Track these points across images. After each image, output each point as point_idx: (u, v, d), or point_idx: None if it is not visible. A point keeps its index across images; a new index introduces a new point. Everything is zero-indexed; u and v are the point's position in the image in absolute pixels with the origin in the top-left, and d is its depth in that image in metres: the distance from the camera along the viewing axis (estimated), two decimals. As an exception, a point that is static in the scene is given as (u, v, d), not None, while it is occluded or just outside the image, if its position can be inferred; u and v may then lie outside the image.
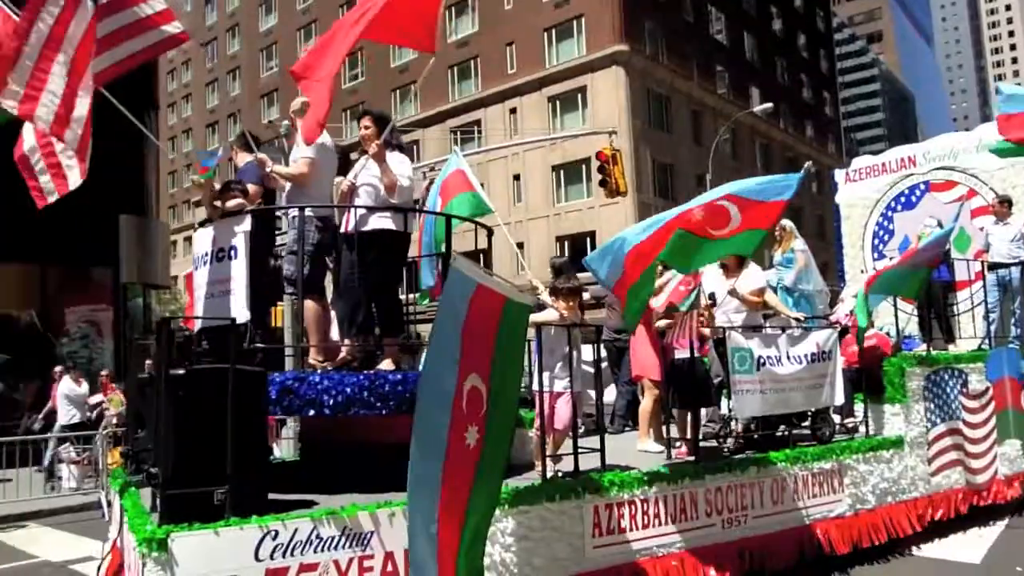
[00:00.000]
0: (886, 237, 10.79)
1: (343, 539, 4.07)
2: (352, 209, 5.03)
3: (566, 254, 32.68)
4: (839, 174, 11.47)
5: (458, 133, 37.83)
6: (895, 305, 8.72)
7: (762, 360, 6.12)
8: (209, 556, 3.77)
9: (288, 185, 5.55)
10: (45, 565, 7.84)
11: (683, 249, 5.57)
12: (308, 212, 5.34)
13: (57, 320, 16.74)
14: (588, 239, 32.83)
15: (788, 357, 6.34)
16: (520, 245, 34.77)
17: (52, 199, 4.96)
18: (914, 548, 6.71)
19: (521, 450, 5.95)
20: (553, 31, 35.58)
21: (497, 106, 36.98)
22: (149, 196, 19.44)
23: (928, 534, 6.95)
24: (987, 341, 8.99)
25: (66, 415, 12.75)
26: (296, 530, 3.97)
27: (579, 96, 34.33)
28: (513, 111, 36.38)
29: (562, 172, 34.26)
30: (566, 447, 5.24)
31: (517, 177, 36.22)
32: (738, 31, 42.89)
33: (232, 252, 4.84)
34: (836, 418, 7.40)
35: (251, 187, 5.28)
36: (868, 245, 10.96)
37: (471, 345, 3.52)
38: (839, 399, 6.68)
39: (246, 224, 4.76)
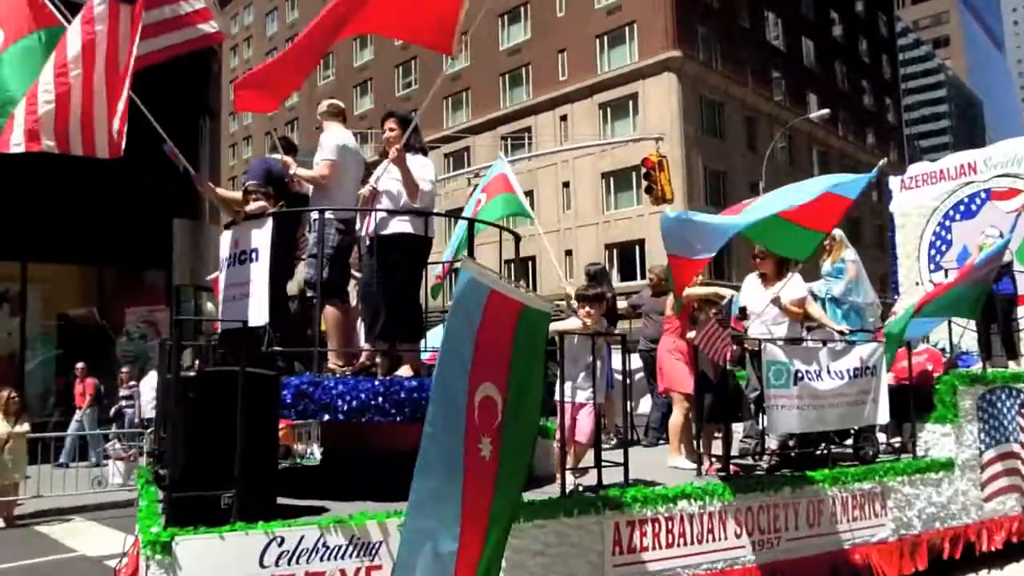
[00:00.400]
0: (943, 248, 10.29)
1: (351, 548, 3.98)
2: (372, 213, 4.97)
3: (613, 262, 32.38)
4: (894, 181, 11.00)
5: (508, 140, 37.88)
6: (950, 320, 8.30)
7: (800, 375, 5.83)
8: (213, 561, 3.73)
9: (311, 188, 5.54)
10: (82, 559, 8.00)
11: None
12: (329, 215, 5.32)
13: (113, 320, 17.25)
14: (637, 247, 32.46)
15: (829, 372, 6.03)
16: (569, 252, 34.61)
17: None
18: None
19: (545, 461, 5.81)
20: (605, 38, 35.36)
21: (548, 113, 36.91)
22: (203, 200, 19.93)
23: (981, 563, 6.56)
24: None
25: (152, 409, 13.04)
26: (302, 537, 3.90)
27: (630, 103, 34.00)
28: (564, 118, 36.25)
29: (612, 179, 33.95)
30: (591, 460, 5.08)
31: (567, 184, 36.06)
32: (796, 36, 41.94)
33: (253, 255, 4.84)
34: (882, 437, 7.08)
35: (251, 183, 5.30)
36: (924, 256, 10.46)
37: (485, 353, 3.37)
38: (883, 418, 6.33)
39: (267, 227, 4.74)
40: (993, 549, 6.66)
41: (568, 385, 4.92)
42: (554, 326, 5.04)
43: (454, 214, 5.46)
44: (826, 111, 29.45)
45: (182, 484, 3.82)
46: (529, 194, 37.52)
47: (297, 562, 3.88)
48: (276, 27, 59.15)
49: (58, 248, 15.28)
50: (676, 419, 6.23)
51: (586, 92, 35.35)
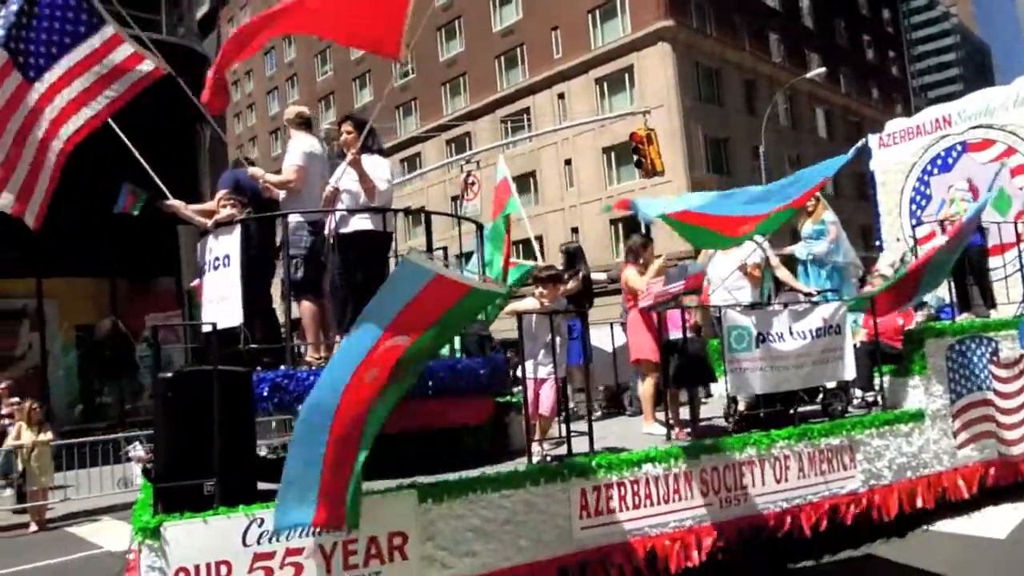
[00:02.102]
0: (923, 202, 10.40)
1: (327, 525, 4.30)
2: (334, 212, 5.26)
3: (619, 237, 32.46)
4: (873, 139, 11.08)
5: (508, 122, 37.98)
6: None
7: (762, 337, 6.08)
8: (199, 543, 4.07)
9: (283, 193, 5.83)
10: (108, 555, 8.46)
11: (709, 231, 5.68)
12: (299, 218, 5.62)
13: (131, 328, 17.76)
14: (642, 221, 32.46)
15: (792, 332, 6.27)
16: (575, 230, 34.74)
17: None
18: (939, 523, 6.56)
19: (518, 435, 6.10)
20: (597, 12, 35.21)
21: (545, 92, 36.89)
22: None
23: (956, 509, 6.78)
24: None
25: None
26: (281, 517, 4.23)
27: (626, 76, 33.90)
28: (561, 96, 36.23)
29: (612, 155, 33.94)
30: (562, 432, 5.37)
31: (568, 162, 36.12)
32: (792, -5, 41.46)
33: (225, 260, 5.16)
34: (858, 393, 7.30)
35: (221, 192, 5.61)
36: (905, 211, 10.59)
37: (410, 318, 3.85)
38: (850, 374, 6.56)
39: (235, 233, 5.05)
40: (969, 495, 6.87)
41: (530, 362, 5.21)
42: (511, 306, 5.33)
43: (409, 210, 5.70)
44: (822, 69, 29.21)
45: (167, 476, 4.17)
46: (532, 175, 37.73)
47: (277, 540, 4.21)
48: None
49: (71, 262, 15.74)
50: (647, 388, 6.50)
51: (582, 68, 35.28)
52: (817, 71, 29.87)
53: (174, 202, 5.79)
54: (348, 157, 5.13)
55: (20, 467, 10.56)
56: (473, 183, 18.50)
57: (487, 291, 4.39)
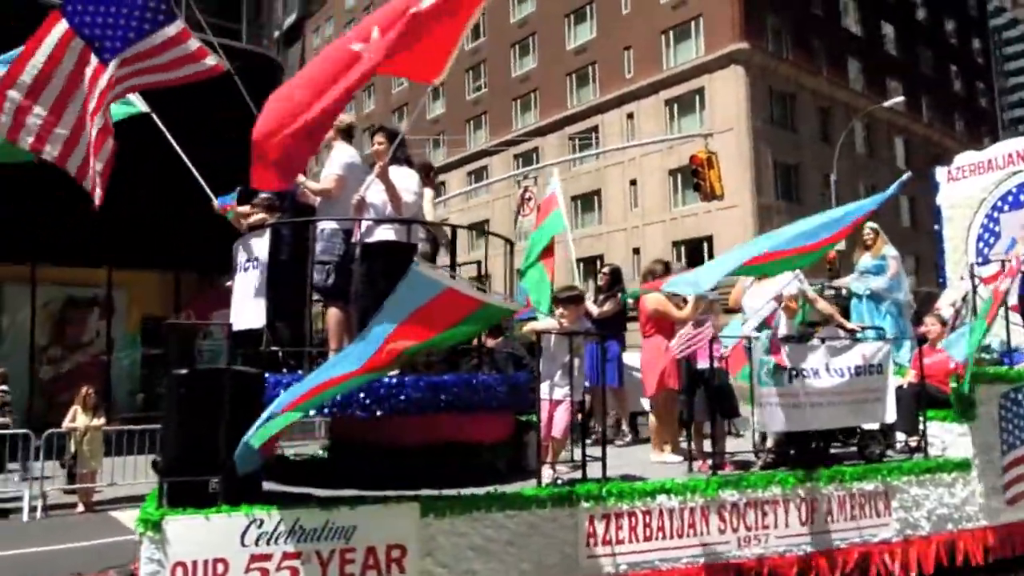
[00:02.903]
0: (991, 240, 9.84)
1: (326, 531, 4.32)
2: (360, 221, 5.32)
3: (681, 259, 31.96)
4: (941, 172, 10.58)
5: (576, 140, 37.97)
6: (1007, 316, 7.99)
7: (795, 372, 5.85)
8: (199, 539, 4.14)
9: (319, 199, 5.93)
10: (135, 542, 8.72)
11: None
12: (335, 225, 5.70)
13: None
14: (705, 244, 31.97)
15: (828, 369, 6.02)
16: (636, 251, 34.40)
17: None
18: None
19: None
20: (671, 33, 34.93)
21: (614, 111, 36.75)
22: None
23: (1005, 570, 6.35)
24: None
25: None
26: (281, 520, 4.27)
27: (697, 98, 33.48)
28: (630, 116, 36.02)
29: (679, 176, 33.48)
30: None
31: (634, 183, 35.83)
32: (875, 21, 40.25)
33: (254, 263, 5.27)
34: (901, 437, 6.94)
35: (259, 198, 5.74)
36: (972, 248, 10.04)
37: (415, 326, 3.98)
38: (889, 417, 6.25)
39: (265, 237, 5.16)
40: (1017, 555, 6.44)
41: (545, 383, 5.14)
42: (530, 325, 5.28)
43: (430, 223, 5.71)
44: (900, 98, 28.20)
45: (173, 471, 4.26)
46: (597, 193, 37.60)
47: (276, 543, 4.25)
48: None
49: (140, 255, 16.43)
50: (655, 417, 6.33)
51: (652, 89, 35.01)
52: (895, 100, 28.87)
53: (229, 207, 5.98)
54: (376, 169, 5.19)
55: (72, 449, 11.00)
56: (530, 198, 18.55)
57: (500, 307, 4.37)
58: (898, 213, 36.75)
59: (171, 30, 5.67)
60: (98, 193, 5.29)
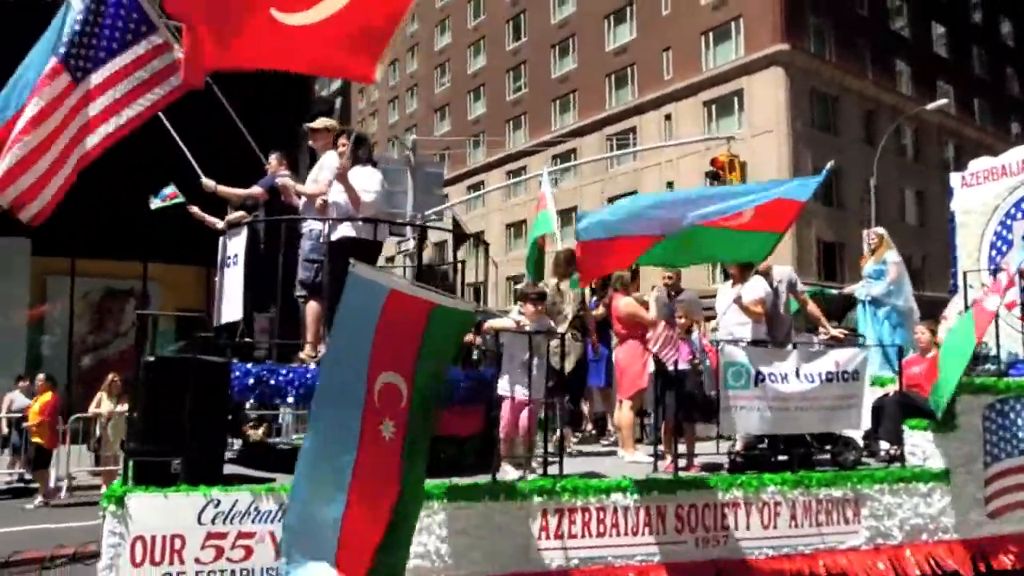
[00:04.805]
0: (1004, 248, 9.60)
1: (280, 513, 4.55)
2: (326, 220, 5.53)
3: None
4: (955, 178, 10.35)
5: (614, 141, 37.87)
6: (997, 325, 7.84)
7: (762, 376, 5.87)
8: (158, 515, 4.41)
9: (303, 200, 6.18)
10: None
11: (682, 243, 5.51)
12: (322, 226, 5.95)
13: (224, 315, 19.03)
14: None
15: (799, 374, 6.02)
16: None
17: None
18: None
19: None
20: (710, 34, 34.57)
21: (653, 113, 36.53)
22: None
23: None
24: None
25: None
26: (236, 501, 4.52)
27: (735, 100, 33.08)
28: (668, 117, 35.78)
29: (715, 180, 33.10)
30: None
31: (670, 185, 35.51)
32: (924, 22, 39.14)
33: (235, 259, 5.54)
34: (884, 445, 6.89)
35: (257, 190, 5.98)
36: (984, 256, 9.82)
37: (386, 346, 3.77)
38: (864, 424, 6.22)
39: (242, 235, 5.43)
40: (1002, 570, 6.33)
41: (505, 379, 5.28)
42: (488, 323, 5.43)
43: (395, 222, 5.89)
44: (944, 100, 27.38)
45: (138, 451, 4.54)
46: (632, 194, 37.39)
47: (231, 522, 4.50)
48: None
49: (174, 250, 17.05)
50: (626, 417, 6.40)
51: (691, 90, 34.69)
52: (940, 102, 28.04)
53: (209, 181, 6.22)
54: (336, 171, 5.38)
55: (98, 433, 11.54)
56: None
57: (454, 309, 4.38)
58: (903, 212, 35.57)
59: (156, 39, 5.76)
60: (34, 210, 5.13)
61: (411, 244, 14.32)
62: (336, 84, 61.74)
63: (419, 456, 4.00)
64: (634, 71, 38.29)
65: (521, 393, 5.27)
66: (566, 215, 40.67)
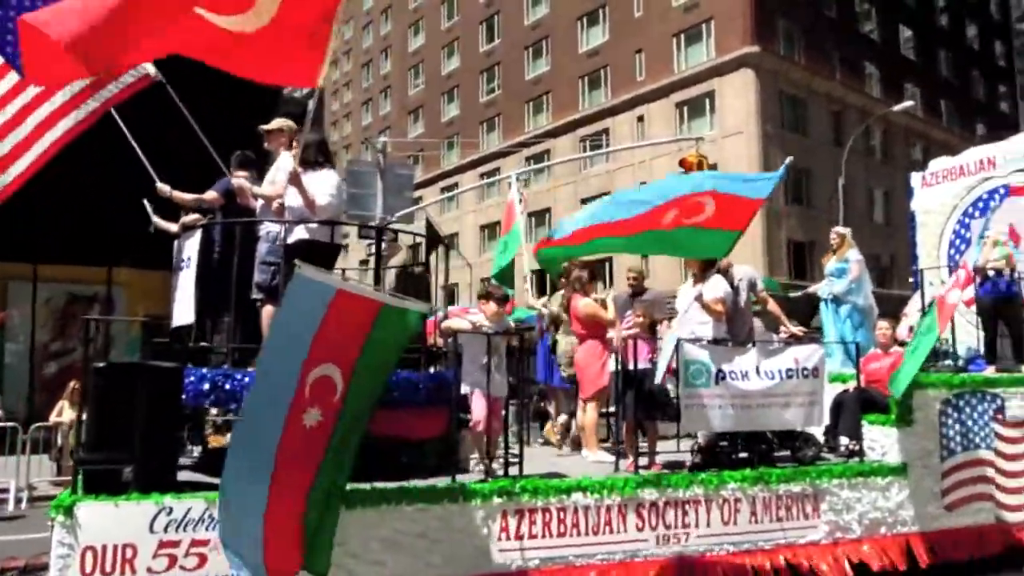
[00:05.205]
0: (963, 246, 9.81)
1: (235, 520, 4.49)
2: (283, 223, 5.47)
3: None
4: (915, 177, 10.58)
5: (587, 142, 38.02)
6: (953, 322, 7.98)
7: (722, 374, 5.91)
8: (109, 524, 4.33)
9: (261, 202, 6.10)
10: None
11: (645, 238, 5.63)
12: (277, 227, 5.88)
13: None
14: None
15: (759, 372, 6.07)
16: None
17: None
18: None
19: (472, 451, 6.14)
20: (682, 36, 34.84)
21: (625, 114, 36.72)
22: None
23: (943, 573, 6.35)
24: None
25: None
26: (190, 509, 4.45)
27: (707, 101, 33.37)
28: (641, 119, 35.99)
29: (687, 179, 33.35)
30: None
31: (643, 185, 35.76)
32: (892, 25, 39.80)
33: (188, 262, 5.47)
34: (844, 440, 6.97)
35: (211, 194, 5.91)
36: (944, 255, 10.02)
37: (327, 342, 3.77)
38: (823, 420, 6.29)
39: (196, 237, 5.35)
40: (953, 560, 6.43)
41: (466, 380, 5.27)
42: (446, 323, 5.42)
43: (350, 223, 5.86)
44: (911, 102, 27.87)
45: (88, 460, 4.46)
46: (606, 196, 37.54)
47: (184, 530, 4.43)
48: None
49: (141, 254, 16.79)
50: (590, 417, 6.42)
51: (663, 92, 34.92)
52: (906, 104, 28.53)
53: (164, 186, 6.14)
54: (288, 173, 5.32)
55: (59, 443, 11.32)
56: (520, 200, 18.65)
57: (402, 309, 4.37)
58: (871, 212, 36.13)
59: None
60: None
61: (383, 246, 14.17)
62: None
63: (347, 452, 3.99)
64: (607, 73, 38.47)
65: (482, 394, 5.26)
66: (540, 216, 41.16)
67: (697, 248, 5.84)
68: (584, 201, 38.73)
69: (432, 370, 5.83)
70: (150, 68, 5.82)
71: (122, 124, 6.19)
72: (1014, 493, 6.73)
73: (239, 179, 6.16)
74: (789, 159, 6.16)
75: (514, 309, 8.36)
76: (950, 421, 6.65)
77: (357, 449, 4.04)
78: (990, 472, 6.70)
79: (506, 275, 9.43)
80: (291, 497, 3.74)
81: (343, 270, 8.79)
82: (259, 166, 6.59)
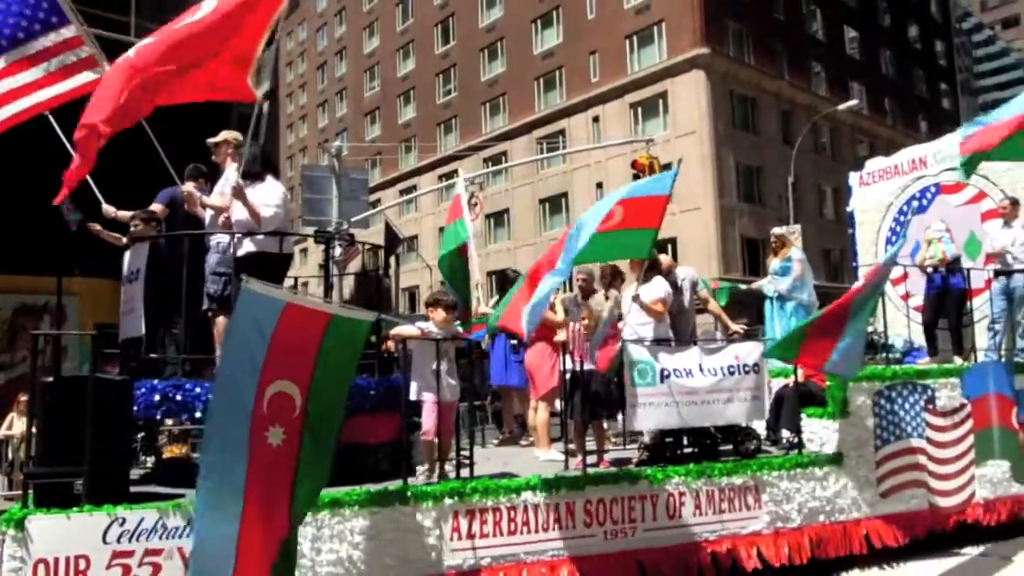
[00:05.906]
0: (899, 243, 10.22)
1: (188, 528, 4.55)
2: (232, 235, 5.54)
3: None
4: (853, 177, 10.99)
5: (544, 143, 38.32)
6: (885, 315, 8.33)
7: (667, 372, 6.13)
8: (60, 537, 4.36)
9: (210, 213, 6.15)
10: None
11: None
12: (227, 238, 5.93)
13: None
14: (669, 246, 32.34)
15: (702, 369, 6.30)
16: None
17: None
18: (855, 572, 6.47)
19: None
20: (634, 38, 35.36)
21: (581, 115, 37.13)
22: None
23: (879, 558, 6.67)
24: (991, 354, 8.45)
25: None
26: (143, 519, 4.50)
27: (660, 101, 33.93)
28: (596, 119, 36.43)
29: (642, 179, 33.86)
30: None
31: (600, 185, 36.13)
32: (837, 26, 40.92)
33: (136, 274, 5.50)
34: (785, 433, 7.26)
35: (157, 207, 5.94)
36: (881, 251, 10.43)
37: (280, 357, 3.83)
38: (765, 414, 6.56)
39: (143, 250, 5.39)
40: (888, 545, 6.74)
41: (415, 385, 5.39)
42: (395, 330, 5.54)
43: (297, 234, 5.95)
44: (855, 101, 28.76)
45: (38, 473, 4.48)
46: (564, 196, 37.94)
47: (137, 540, 4.48)
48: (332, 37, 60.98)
49: (92, 263, 16.49)
50: (541, 416, 6.61)
51: (617, 92, 35.42)
52: (851, 103, 29.48)
53: (109, 208, 6.14)
54: (230, 187, 5.38)
55: (10, 456, 11.12)
56: (476, 204, 18.83)
57: (352, 318, 4.47)
58: (821, 208, 37.13)
59: (66, 32, 5.68)
60: None
61: (337, 252, 14.21)
62: (262, 89, 60.35)
63: (318, 469, 4.02)
64: (562, 74, 38.84)
65: (428, 397, 5.38)
66: (498, 217, 41.22)
67: (618, 251, 6.09)
68: (542, 202, 39.09)
69: (384, 376, 5.94)
70: (97, 73, 5.81)
71: (62, 135, 6.16)
72: (945, 479, 7.09)
73: (189, 186, 6.18)
74: (680, 158, 6.46)
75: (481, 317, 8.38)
76: (883, 412, 6.97)
77: (328, 468, 4.05)
78: (922, 460, 7.03)
79: (456, 274, 9.40)
80: (265, 522, 3.72)
81: (296, 279, 8.79)
82: (212, 178, 6.62)
